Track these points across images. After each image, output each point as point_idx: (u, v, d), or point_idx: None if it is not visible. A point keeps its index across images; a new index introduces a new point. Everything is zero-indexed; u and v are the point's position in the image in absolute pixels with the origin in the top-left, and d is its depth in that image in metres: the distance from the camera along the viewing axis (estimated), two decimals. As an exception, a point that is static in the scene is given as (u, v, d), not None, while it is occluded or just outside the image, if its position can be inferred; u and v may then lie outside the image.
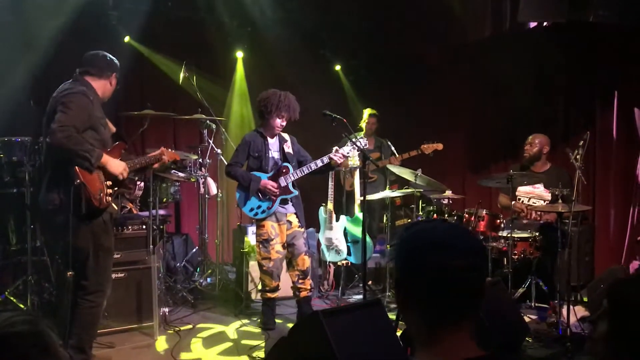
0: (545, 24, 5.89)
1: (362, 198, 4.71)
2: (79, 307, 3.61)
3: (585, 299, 5.34)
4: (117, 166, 3.65)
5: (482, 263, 1.34)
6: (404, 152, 6.12)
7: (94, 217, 3.56)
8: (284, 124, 4.86)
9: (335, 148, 5.00)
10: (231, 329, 4.87)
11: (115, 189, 3.70)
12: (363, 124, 6.56)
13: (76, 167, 3.41)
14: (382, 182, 6.55)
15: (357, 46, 7.92)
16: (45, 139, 3.58)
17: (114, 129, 3.95)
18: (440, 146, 6.03)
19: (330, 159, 4.77)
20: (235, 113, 7.56)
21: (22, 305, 4.67)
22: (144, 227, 4.92)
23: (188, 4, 6.78)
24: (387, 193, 5.77)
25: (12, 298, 4.75)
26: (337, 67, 8.14)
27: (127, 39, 6.64)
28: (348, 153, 4.88)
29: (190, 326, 4.84)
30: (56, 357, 1.29)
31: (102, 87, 3.76)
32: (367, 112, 6.63)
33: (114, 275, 4.09)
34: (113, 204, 3.67)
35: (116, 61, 3.88)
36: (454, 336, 1.29)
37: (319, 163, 4.81)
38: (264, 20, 7.18)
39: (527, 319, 4.71)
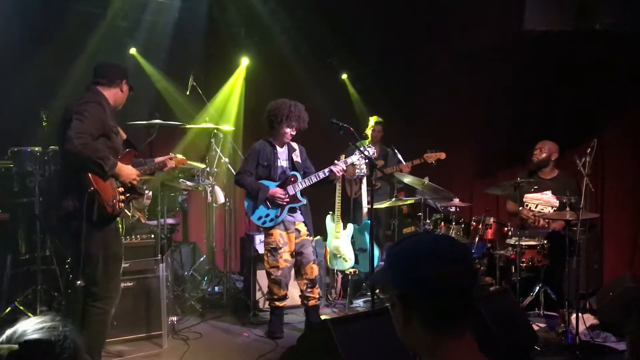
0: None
1: (369, 206, 4.71)
2: (88, 314, 3.65)
3: (594, 307, 5.31)
4: (129, 174, 3.71)
5: (473, 267, 1.41)
6: (409, 160, 6.13)
7: (106, 223, 3.62)
8: (294, 133, 4.88)
9: (342, 156, 5.04)
10: (239, 338, 4.88)
11: (128, 195, 3.77)
12: (369, 132, 6.57)
13: (89, 174, 3.46)
14: (387, 190, 6.55)
15: (364, 55, 7.95)
16: (60, 146, 3.63)
17: (124, 136, 3.99)
18: (442, 155, 6.03)
19: (331, 171, 4.80)
20: (242, 122, 7.56)
21: (30, 314, 4.70)
22: (152, 236, 4.94)
23: (196, 15, 6.82)
24: (393, 201, 5.78)
25: (21, 307, 4.77)
26: (344, 76, 8.17)
27: (132, 50, 6.69)
28: (356, 161, 4.90)
29: (198, 335, 4.85)
30: None
31: (114, 95, 3.82)
32: (372, 119, 6.64)
33: (122, 284, 4.10)
34: (126, 211, 3.70)
35: (124, 68, 3.97)
36: (457, 342, 1.33)
37: (321, 175, 4.83)
38: (271, 30, 7.24)
39: (536, 327, 4.69)
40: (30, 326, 1.31)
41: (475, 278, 1.41)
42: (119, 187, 3.68)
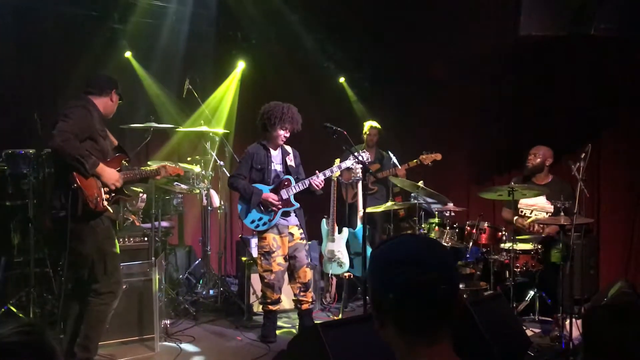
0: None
1: (363, 210, 4.70)
2: (89, 304, 3.75)
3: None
4: (110, 176, 3.78)
5: (449, 276, 1.34)
6: (405, 163, 6.13)
7: (91, 219, 3.71)
8: (287, 135, 4.88)
9: (337, 160, 5.05)
10: (232, 342, 4.86)
11: (113, 194, 3.85)
12: (364, 136, 6.57)
13: (74, 172, 3.60)
14: (384, 194, 6.54)
15: (361, 59, 7.95)
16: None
17: (115, 142, 4.08)
18: (439, 156, 6.03)
19: (310, 184, 4.80)
20: (238, 125, 7.55)
21: (21, 315, 4.70)
22: (146, 239, 4.93)
23: (192, 18, 6.83)
24: (389, 205, 5.77)
25: (14, 309, 4.76)
26: (342, 79, 8.17)
27: (128, 54, 6.69)
28: (352, 166, 4.92)
29: (191, 338, 4.83)
30: None
31: (104, 104, 3.95)
32: (367, 124, 6.62)
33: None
34: (109, 208, 3.81)
35: (115, 79, 4.10)
36: (431, 350, 1.31)
37: (301, 186, 4.84)
38: (268, 33, 7.25)
39: (530, 333, 4.69)
40: (7, 330, 1.30)
41: (451, 288, 1.36)
42: (104, 187, 3.76)
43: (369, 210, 5.57)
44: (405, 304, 1.30)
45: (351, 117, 7.88)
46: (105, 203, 3.76)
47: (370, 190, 6.39)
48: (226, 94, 7.43)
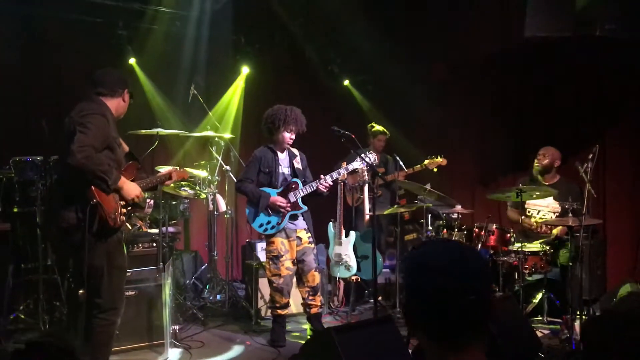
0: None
1: (370, 213, 4.71)
2: (93, 325, 3.61)
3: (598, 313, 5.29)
4: (132, 190, 3.64)
5: (481, 286, 1.31)
6: (410, 167, 6.13)
7: (108, 236, 3.57)
8: (293, 137, 4.88)
9: (343, 163, 5.05)
10: (241, 347, 4.86)
11: (129, 208, 3.72)
12: (374, 140, 6.54)
13: (92, 187, 3.41)
14: (387, 197, 6.54)
15: (365, 62, 7.97)
16: (63, 158, 3.52)
17: (127, 149, 3.93)
18: (444, 162, 6.04)
19: (317, 187, 4.81)
20: (243, 130, 7.57)
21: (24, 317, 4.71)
22: (154, 244, 4.93)
23: (196, 23, 6.85)
24: (395, 208, 5.77)
25: (23, 316, 4.76)
26: (346, 82, 8.19)
27: (132, 60, 6.70)
28: (358, 168, 4.92)
29: (200, 344, 4.83)
30: None
31: (116, 105, 3.74)
32: (375, 129, 6.58)
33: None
34: (128, 224, 3.69)
35: (125, 76, 3.94)
36: (459, 356, 1.29)
37: (309, 189, 4.84)
38: (271, 38, 7.27)
39: (539, 334, 4.67)
40: (42, 334, 1.44)
41: (483, 298, 1.27)
42: (121, 200, 3.63)
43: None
44: (436, 313, 1.28)
45: (357, 120, 7.89)
46: (124, 218, 3.63)
47: (375, 194, 6.36)
48: (232, 99, 7.45)
